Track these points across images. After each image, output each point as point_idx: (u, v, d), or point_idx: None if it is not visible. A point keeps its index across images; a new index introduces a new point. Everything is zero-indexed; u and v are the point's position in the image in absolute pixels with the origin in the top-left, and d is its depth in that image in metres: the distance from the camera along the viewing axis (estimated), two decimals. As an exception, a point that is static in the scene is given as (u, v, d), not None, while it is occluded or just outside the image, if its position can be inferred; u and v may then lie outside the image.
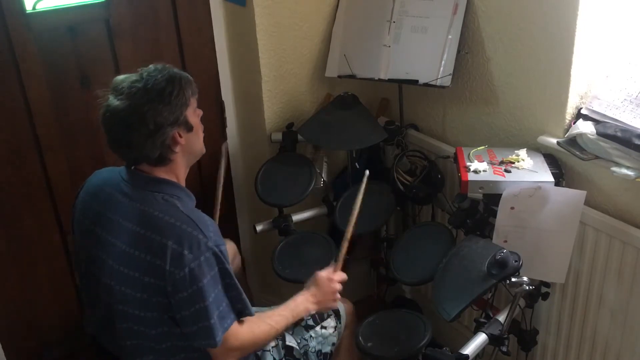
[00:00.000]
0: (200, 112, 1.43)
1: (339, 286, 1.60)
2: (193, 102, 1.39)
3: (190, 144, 1.40)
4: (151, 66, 1.36)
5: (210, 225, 1.34)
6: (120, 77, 1.34)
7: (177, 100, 1.32)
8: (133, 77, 1.33)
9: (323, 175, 2.13)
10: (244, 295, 1.39)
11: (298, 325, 1.68)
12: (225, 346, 1.35)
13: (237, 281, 1.37)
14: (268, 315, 1.49)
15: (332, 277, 1.60)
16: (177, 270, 1.27)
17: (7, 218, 1.91)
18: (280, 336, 1.63)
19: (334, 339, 1.71)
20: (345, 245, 1.66)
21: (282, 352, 1.61)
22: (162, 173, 1.39)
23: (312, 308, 1.56)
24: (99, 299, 1.43)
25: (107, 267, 1.37)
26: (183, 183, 1.44)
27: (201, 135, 1.45)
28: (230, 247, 1.96)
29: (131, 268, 1.33)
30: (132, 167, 1.40)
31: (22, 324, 2.04)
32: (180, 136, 1.36)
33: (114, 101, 1.30)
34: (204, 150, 1.48)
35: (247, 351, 1.47)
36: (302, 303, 1.55)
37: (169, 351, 1.40)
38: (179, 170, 1.42)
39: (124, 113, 1.29)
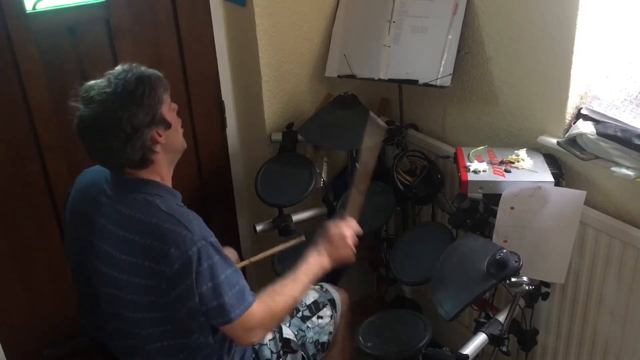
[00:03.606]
0: (175, 107, 1.40)
1: (353, 239, 1.51)
2: (166, 98, 1.36)
3: (170, 141, 1.38)
4: (118, 67, 1.33)
5: (194, 220, 1.33)
6: (89, 83, 1.31)
7: (150, 99, 1.30)
8: (102, 82, 1.30)
9: (323, 175, 2.13)
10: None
11: (294, 317, 1.68)
12: (244, 326, 1.33)
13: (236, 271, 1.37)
14: (283, 286, 1.42)
15: (345, 231, 1.51)
16: (166, 269, 1.26)
17: (7, 218, 1.91)
18: (277, 328, 1.64)
19: (331, 328, 1.72)
20: (357, 198, 1.58)
21: (280, 344, 1.62)
22: (145, 175, 1.37)
23: (329, 263, 1.48)
24: (94, 302, 1.42)
25: (95, 270, 1.36)
26: (168, 183, 1.42)
27: (180, 130, 1.42)
28: (230, 254, 1.96)
29: (121, 271, 1.32)
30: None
31: (22, 324, 2.04)
32: (160, 135, 1.33)
33: (85, 110, 1.28)
34: (185, 146, 1.45)
35: (269, 327, 1.42)
36: (316, 264, 1.47)
37: (162, 351, 1.39)
38: (161, 170, 1.39)
39: (99, 121, 1.27)
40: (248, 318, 1.33)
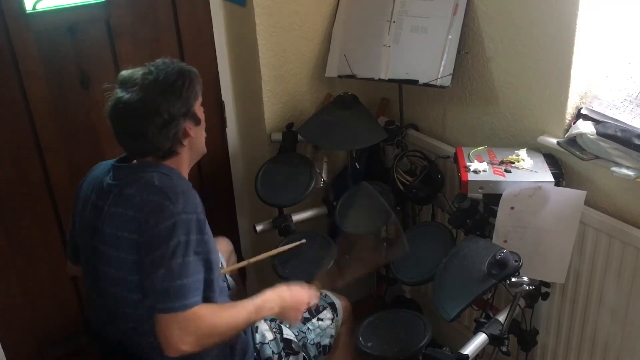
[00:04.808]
0: (202, 109, 1.46)
1: (307, 306, 1.53)
2: (200, 97, 1.42)
3: (197, 139, 1.44)
4: (159, 60, 1.38)
5: (183, 194, 1.31)
6: (127, 71, 1.36)
7: (188, 93, 1.36)
8: (142, 70, 1.35)
9: (323, 175, 2.13)
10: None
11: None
12: (182, 324, 1.25)
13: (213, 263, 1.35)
14: (231, 306, 1.39)
15: (308, 295, 1.53)
16: (144, 238, 1.28)
17: (7, 218, 1.91)
18: (278, 329, 1.64)
19: (332, 331, 1.72)
20: (339, 280, 1.66)
21: (281, 345, 1.62)
22: (164, 163, 1.40)
23: (276, 312, 1.45)
24: (101, 290, 1.42)
25: (104, 256, 1.37)
26: (186, 177, 1.45)
27: (204, 132, 1.48)
28: (224, 244, 1.97)
29: (121, 250, 1.33)
30: (134, 161, 1.41)
31: (22, 324, 2.04)
32: (190, 129, 1.39)
33: (124, 94, 1.32)
34: (205, 150, 1.50)
35: (202, 341, 1.29)
36: (270, 302, 1.43)
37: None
38: (182, 164, 1.43)
39: (139, 104, 1.31)
40: (191, 316, 1.25)
